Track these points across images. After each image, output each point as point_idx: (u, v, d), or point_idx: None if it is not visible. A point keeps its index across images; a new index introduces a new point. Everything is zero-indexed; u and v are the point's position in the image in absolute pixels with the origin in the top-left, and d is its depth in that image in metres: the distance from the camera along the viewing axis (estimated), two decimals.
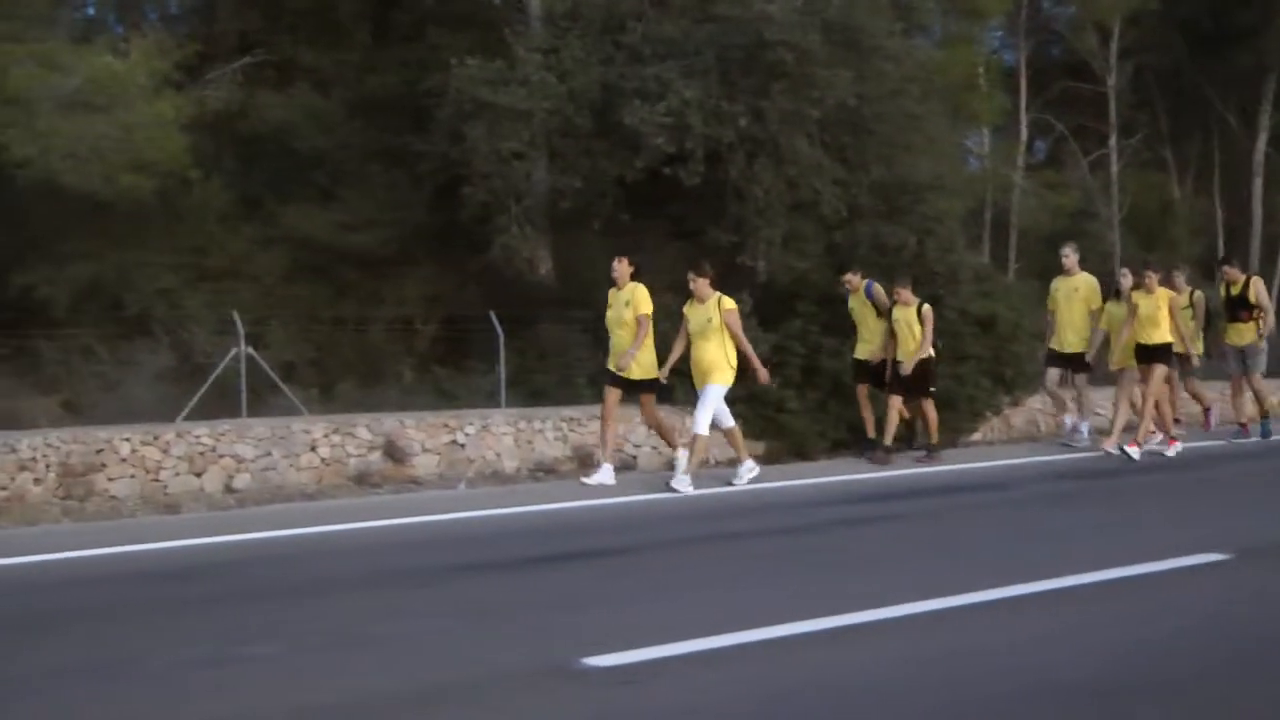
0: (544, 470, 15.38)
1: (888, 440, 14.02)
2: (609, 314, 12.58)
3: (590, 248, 19.75)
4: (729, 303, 12.54)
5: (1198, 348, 15.27)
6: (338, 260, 21.18)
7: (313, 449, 14.57)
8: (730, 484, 12.34)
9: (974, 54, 28.63)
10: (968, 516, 11.12)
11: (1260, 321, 15.51)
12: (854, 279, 14.71)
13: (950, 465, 13.96)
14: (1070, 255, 15.02)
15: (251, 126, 22.24)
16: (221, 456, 14.05)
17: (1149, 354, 14.06)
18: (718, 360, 12.30)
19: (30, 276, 19.47)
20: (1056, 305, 14.95)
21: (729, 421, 12.65)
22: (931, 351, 14.03)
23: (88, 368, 18.13)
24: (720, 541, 10.15)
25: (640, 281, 12.53)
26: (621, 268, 12.60)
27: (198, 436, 14.02)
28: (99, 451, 13.50)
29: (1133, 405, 14.51)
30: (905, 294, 14.01)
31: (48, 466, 13.23)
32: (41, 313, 18.84)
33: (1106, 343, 14.66)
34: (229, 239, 21.04)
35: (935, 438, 14.37)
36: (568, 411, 16.20)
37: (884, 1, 20.17)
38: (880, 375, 14.39)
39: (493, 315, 17.63)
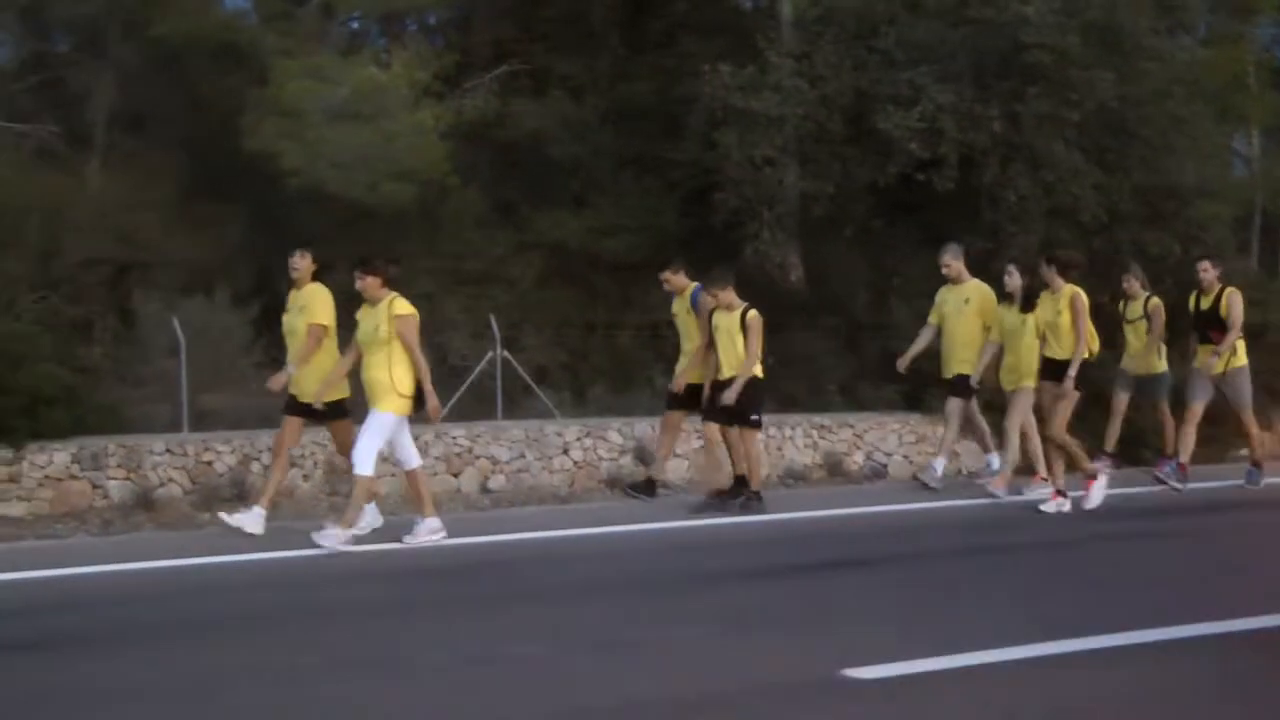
0: (794, 477, 15.31)
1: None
2: None
3: (841, 254, 19.64)
4: (402, 306, 10.46)
5: (1157, 365, 13.78)
6: (589, 266, 21.45)
7: (565, 451, 14.78)
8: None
9: (1244, 52, 27.50)
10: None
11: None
12: (675, 278, 12.87)
13: (1223, 481, 13.37)
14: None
15: (507, 134, 22.65)
16: (478, 458, 14.34)
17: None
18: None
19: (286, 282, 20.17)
20: None
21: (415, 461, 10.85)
22: (758, 371, 12.13)
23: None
24: (988, 554, 9.96)
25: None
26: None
27: (455, 438, 14.34)
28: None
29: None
30: (726, 296, 12.20)
31: (315, 463, 13.67)
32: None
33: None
34: (485, 244, 21.47)
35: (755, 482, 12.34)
36: (818, 419, 16.10)
37: (1147, 1, 19.51)
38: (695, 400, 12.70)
39: None
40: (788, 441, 15.65)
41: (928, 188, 17.97)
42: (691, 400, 12.71)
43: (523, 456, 14.53)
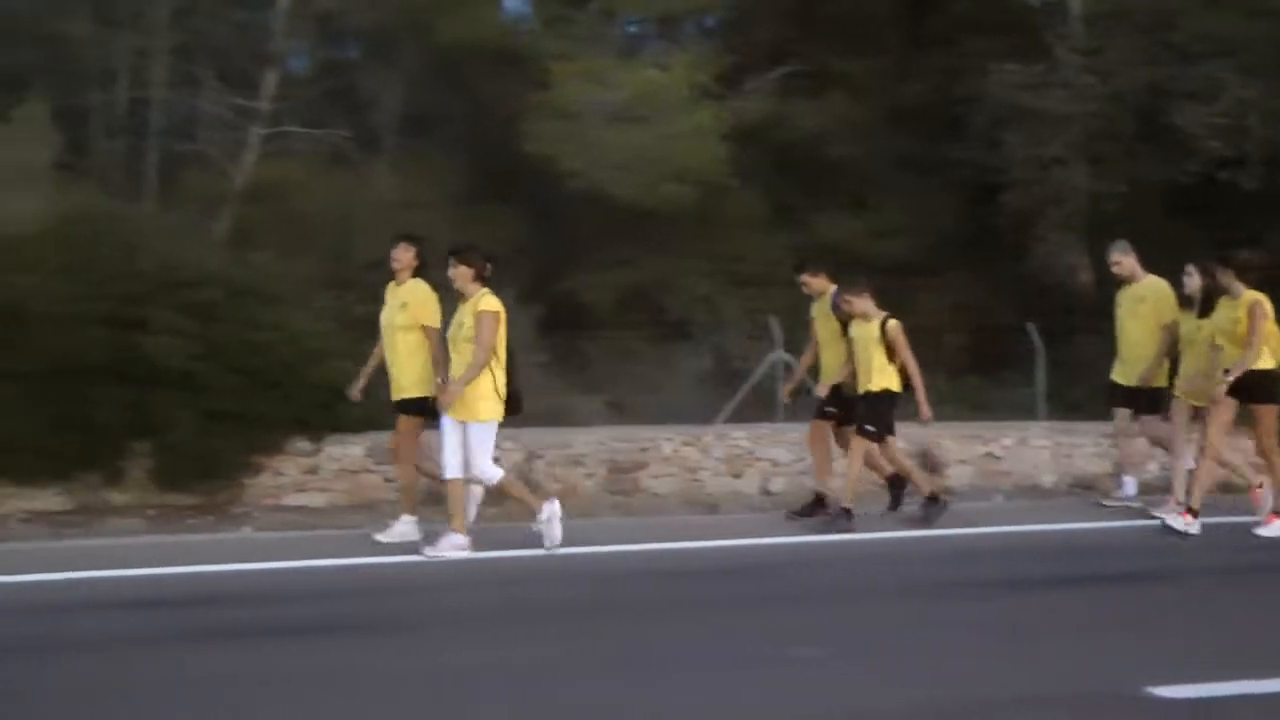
0: (1082, 486, 14.91)
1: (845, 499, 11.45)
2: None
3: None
4: (489, 302, 9.79)
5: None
6: (868, 267, 21.25)
7: (844, 457, 14.68)
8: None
9: None
10: None
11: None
12: (814, 280, 12.13)
13: None
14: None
15: (785, 135, 22.64)
16: (758, 459, 14.36)
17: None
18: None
19: (576, 281, 20.60)
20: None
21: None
22: (894, 383, 11.31)
23: (631, 369, 18.95)
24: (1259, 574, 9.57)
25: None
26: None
27: (736, 439, 14.39)
28: (643, 450, 14.07)
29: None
30: (861, 304, 11.47)
31: (598, 463, 13.89)
32: (588, 316, 19.90)
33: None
34: (763, 246, 21.51)
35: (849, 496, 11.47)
36: (1108, 427, 15.64)
37: None
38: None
39: (1031, 328, 17.24)
40: (1076, 449, 15.25)
41: (1229, 187, 17.30)
42: (835, 410, 11.91)
43: (803, 459, 14.47)
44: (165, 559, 9.51)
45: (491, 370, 9.74)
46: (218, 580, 9.06)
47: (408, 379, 10.42)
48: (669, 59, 21.88)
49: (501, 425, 10.15)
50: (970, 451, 14.75)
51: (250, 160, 23.21)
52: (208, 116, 24.32)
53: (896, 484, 12.16)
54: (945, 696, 6.01)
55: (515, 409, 10.10)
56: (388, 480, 12.86)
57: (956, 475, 14.59)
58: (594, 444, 13.94)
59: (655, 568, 9.76)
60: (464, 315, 9.82)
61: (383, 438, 12.95)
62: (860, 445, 11.42)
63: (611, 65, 20.40)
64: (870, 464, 11.85)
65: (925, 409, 11.45)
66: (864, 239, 21.01)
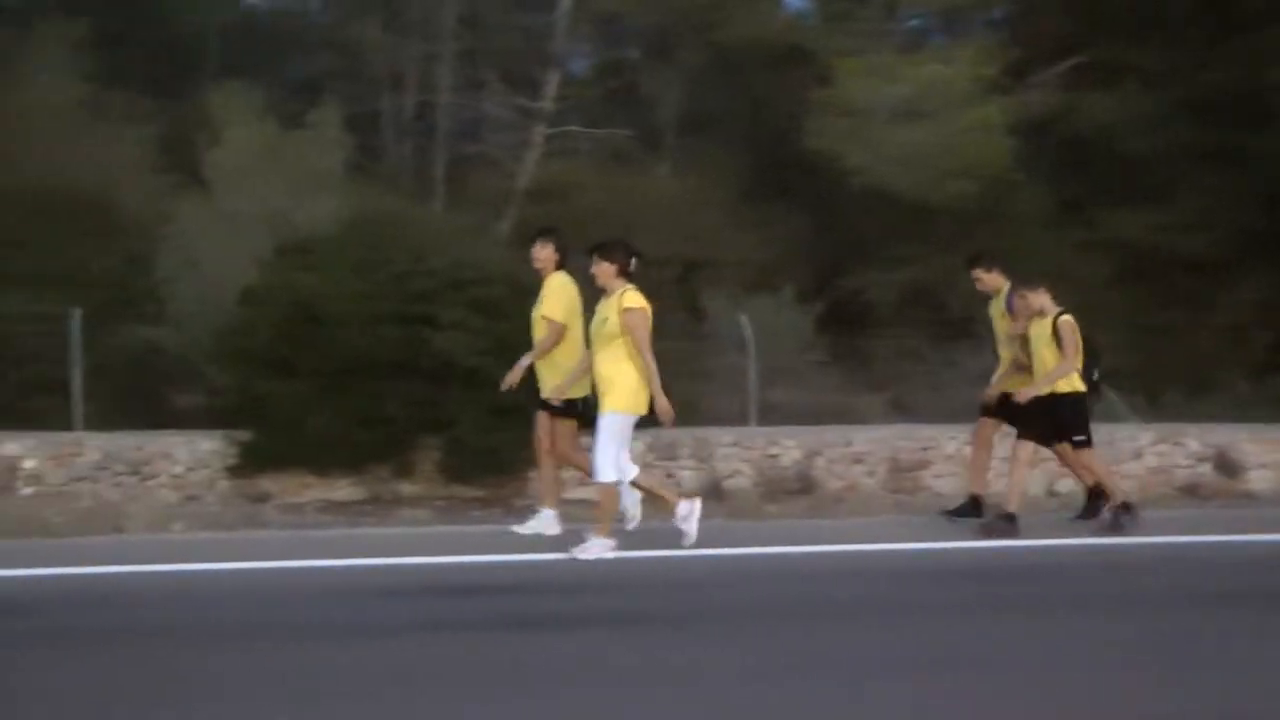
0: None
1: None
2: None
3: None
4: (633, 298, 9.31)
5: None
6: (1163, 265, 20.58)
7: (1138, 457, 14.20)
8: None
9: None
10: None
11: None
12: (988, 276, 11.34)
13: None
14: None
15: (1072, 129, 22.05)
16: (1044, 459, 13.95)
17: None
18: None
19: (859, 279, 20.44)
20: None
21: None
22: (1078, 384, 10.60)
23: (913, 368, 18.69)
24: None
25: None
26: None
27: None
28: (925, 449, 13.86)
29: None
30: (1036, 299, 10.70)
31: (879, 460, 13.74)
32: (869, 314, 19.73)
33: None
34: (1049, 243, 20.97)
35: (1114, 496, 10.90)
36: None
37: None
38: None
39: None
40: None
41: None
42: (1005, 412, 11.19)
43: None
44: (452, 548, 9.74)
45: (622, 364, 9.34)
46: (502, 570, 9.25)
47: (549, 377, 10.17)
48: (953, 53, 21.53)
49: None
50: (1273, 456, 14.10)
51: (533, 160, 23.73)
52: (492, 118, 25.01)
53: (1096, 494, 11.33)
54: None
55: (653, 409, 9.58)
56: (669, 475, 12.97)
57: (1256, 480, 13.98)
58: (875, 442, 13.80)
59: (929, 568, 9.59)
60: (607, 311, 9.39)
61: (666, 433, 13.08)
62: (1024, 451, 10.72)
63: (894, 61, 20.17)
64: (1075, 469, 11.31)
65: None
66: (1158, 234, 20.32)
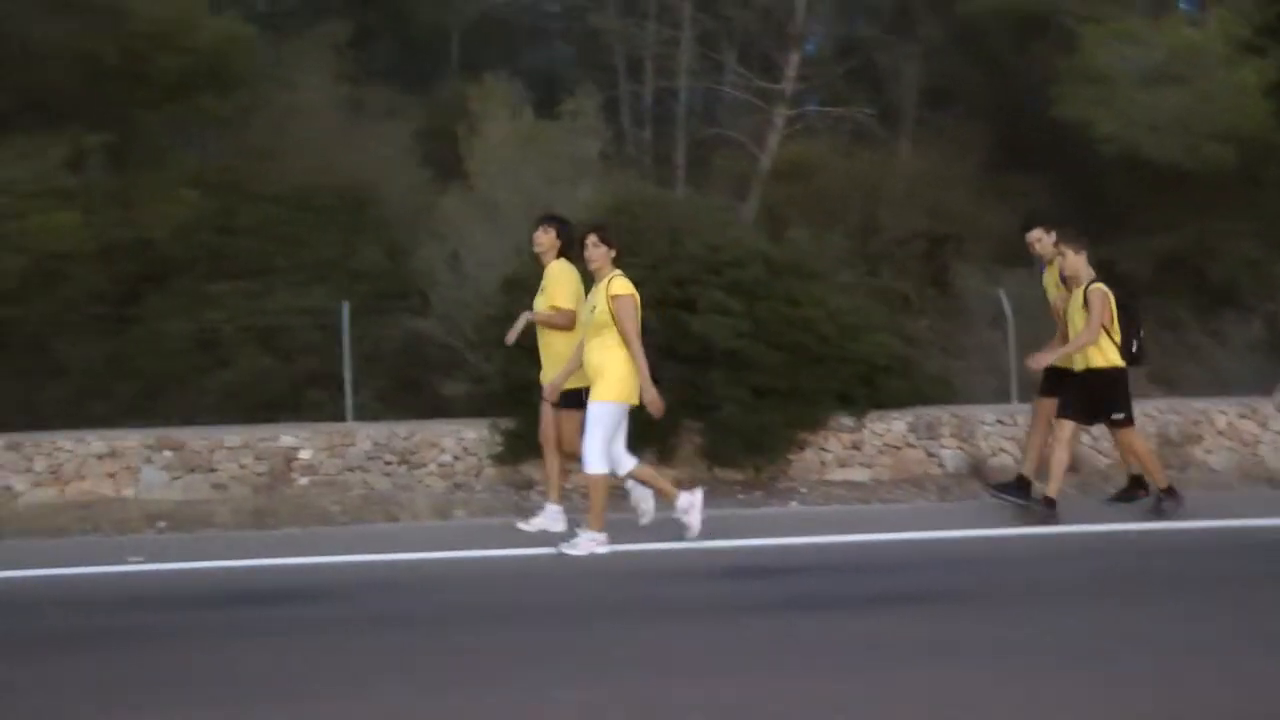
0: None
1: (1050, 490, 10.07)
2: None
3: None
4: (620, 285, 9.12)
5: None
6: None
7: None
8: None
9: None
10: None
11: None
12: (1044, 238, 10.49)
13: None
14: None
15: None
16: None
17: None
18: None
19: (1112, 249, 19.69)
20: None
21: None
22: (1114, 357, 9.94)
23: (1174, 339, 17.98)
24: None
25: None
26: None
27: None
28: (1196, 423, 13.30)
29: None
30: (1072, 263, 9.97)
31: (1148, 435, 13.19)
32: (1125, 285, 18.98)
33: None
34: None
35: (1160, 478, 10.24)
36: None
37: None
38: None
39: None
40: None
41: None
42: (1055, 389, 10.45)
43: None
44: (722, 531, 9.63)
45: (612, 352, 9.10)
46: (782, 552, 9.13)
47: (550, 369, 9.85)
48: (1203, 16, 20.60)
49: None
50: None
51: (775, 141, 23.49)
52: (732, 101, 24.85)
53: (1136, 480, 10.62)
54: None
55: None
56: (930, 455, 12.70)
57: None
58: (1143, 416, 13.25)
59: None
60: (595, 298, 9.21)
61: (927, 413, 12.81)
62: (1064, 430, 10.08)
63: (1143, 25, 19.37)
64: (1120, 449, 10.59)
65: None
66: None
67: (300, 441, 12.43)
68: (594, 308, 9.16)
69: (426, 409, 13.51)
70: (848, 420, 12.61)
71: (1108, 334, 9.95)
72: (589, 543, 9.07)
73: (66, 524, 10.76)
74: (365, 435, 12.51)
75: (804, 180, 22.08)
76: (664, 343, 11.74)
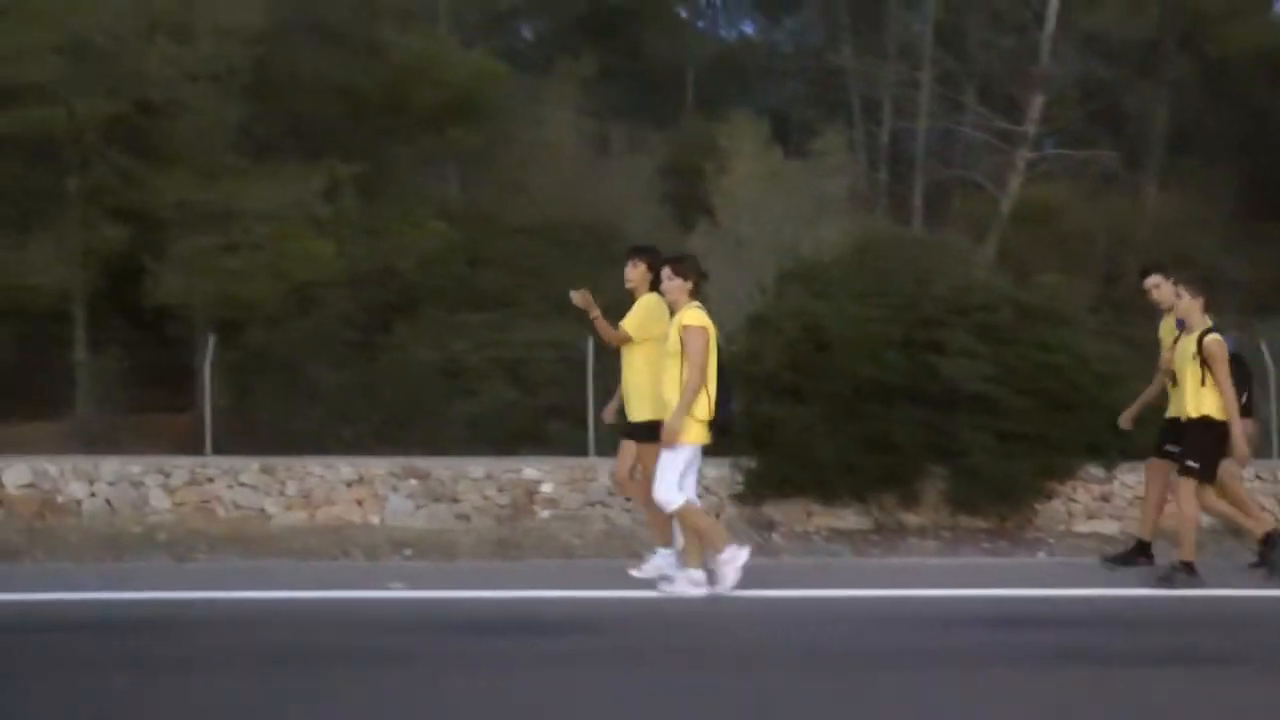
0: None
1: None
2: None
3: None
4: (693, 316, 8.56)
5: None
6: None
7: None
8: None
9: None
10: None
11: None
12: (1163, 284, 9.70)
13: None
14: None
15: None
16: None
17: None
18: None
19: None
20: None
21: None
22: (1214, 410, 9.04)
23: None
24: None
25: None
26: None
27: None
28: None
29: None
30: (1185, 305, 9.20)
31: None
32: None
33: None
34: None
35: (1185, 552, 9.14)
36: None
37: None
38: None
39: None
40: None
41: None
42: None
43: None
44: (962, 580, 9.37)
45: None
46: (1042, 603, 8.83)
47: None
48: None
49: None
50: None
51: (1016, 184, 23.02)
52: (972, 141, 24.43)
53: (1269, 542, 9.64)
54: None
55: (725, 432, 9.00)
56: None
57: None
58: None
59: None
60: (670, 329, 8.76)
61: None
62: (1188, 486, 9.26)
63: None
64: (1207, 508, 9.57)
65: (1239, 446, 9.14)
66: None
67: (543, 474, 12.48)
68: (667, 337, 8.79)
69: None
70: (1097, 471, 12.16)
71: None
72: (686, 582, 8.71)
73: (319, 547, 10.93)
74: (607, 470, 12.50)
75: (1045, 223, 21.58)
76: (907, 384, 11.52)
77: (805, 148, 18.38)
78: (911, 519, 11.91)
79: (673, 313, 8.85)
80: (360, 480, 12.40)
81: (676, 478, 8.67)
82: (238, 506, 12.36)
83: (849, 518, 11.97)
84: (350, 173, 15.07)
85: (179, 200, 14.46)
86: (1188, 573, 9.17)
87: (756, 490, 11.97)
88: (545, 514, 12.31)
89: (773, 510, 11.94)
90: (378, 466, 12.49)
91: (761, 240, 14.13)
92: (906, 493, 11.82)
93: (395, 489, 12.37)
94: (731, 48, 27.80)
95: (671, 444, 8.58)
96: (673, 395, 8.60)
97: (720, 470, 12.19)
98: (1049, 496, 12.07)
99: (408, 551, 10.93)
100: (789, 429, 11.53)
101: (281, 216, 14.37)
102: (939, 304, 11.96)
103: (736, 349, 12.39)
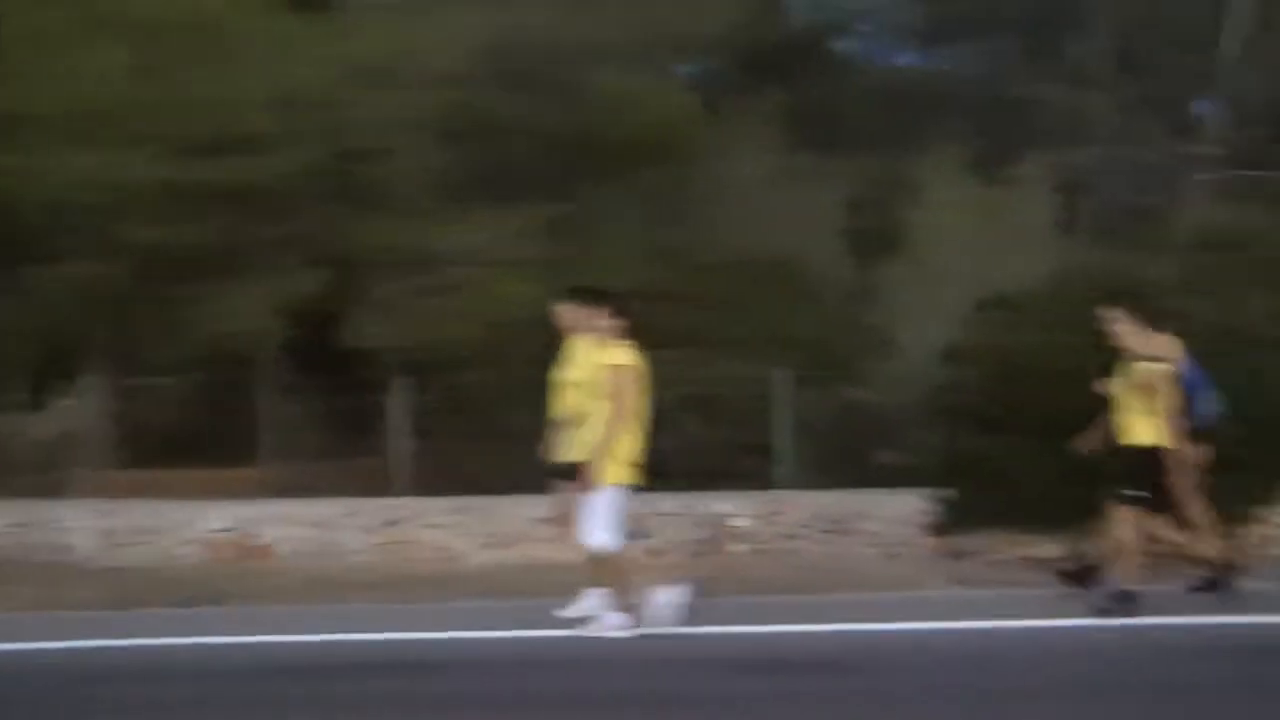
0: None
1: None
2: None
3: None
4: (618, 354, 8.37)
5: None
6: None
7: None
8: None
9: None
10: None
11: None
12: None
13: None
14: None
15: None
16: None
17: None
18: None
19: None
20: None
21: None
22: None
23: None
24: None
25: None
26: None
27: None
28: None
29: None
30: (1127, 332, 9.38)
31: None
32: None
33: None
34: None
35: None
36: None
37: None
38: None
39: None
40: None
41: None
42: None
43: None
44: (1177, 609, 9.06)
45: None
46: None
47: None
48: None
49: None
50: None
51: (1200, 207, 22.40)
52: (1156, 165, 23.82)
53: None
54: None
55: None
56: None
57: None
58: None
59: None
60: (595, 367, 8.60)
61: None
62: (1122, 514, 9.16)
63: None
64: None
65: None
66: None
67: (735, 509, 12.48)
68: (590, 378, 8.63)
69: (860, 478, 13.33)
70: None
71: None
72: (615, 622, 8.45)
73: (522, 587, 10.92)
74: (798, 504, 12.48)
75: (1234, 248, 20.93)
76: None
77: (999, 175, 18.09)
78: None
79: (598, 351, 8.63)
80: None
81: (606, 520, 8.40)
82: (435, 547, 12.54)
83: (1048, 547, 11.71)
84: (549, 214, 15.21)
85: (380, 245, 14.75)
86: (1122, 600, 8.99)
87: (956, 521, 11.85)
88: (738, 549, 12.31)
89: (970, 540, 11.80)
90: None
91: (959, 271, 14.00)
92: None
93: None
94: (901, 79, 27.40)
95: (596, 486, 8.36)
96: (597, 436, 8.39)
97: (916, 500, 12.10)
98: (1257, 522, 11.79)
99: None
100: (990, 460, 11.40)
101: (480, 260, 14.59)
102: None
103: (938, 380, 12.32)
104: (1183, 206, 22.56)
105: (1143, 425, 9.20)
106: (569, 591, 10.66)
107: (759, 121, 19.58)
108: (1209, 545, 9.60)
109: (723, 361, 14.36)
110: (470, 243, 14.74)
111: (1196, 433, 9.48)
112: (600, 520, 8.37)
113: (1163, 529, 9.42)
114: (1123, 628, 8.71)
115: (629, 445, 8.40)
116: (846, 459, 13.97)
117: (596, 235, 15.89)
